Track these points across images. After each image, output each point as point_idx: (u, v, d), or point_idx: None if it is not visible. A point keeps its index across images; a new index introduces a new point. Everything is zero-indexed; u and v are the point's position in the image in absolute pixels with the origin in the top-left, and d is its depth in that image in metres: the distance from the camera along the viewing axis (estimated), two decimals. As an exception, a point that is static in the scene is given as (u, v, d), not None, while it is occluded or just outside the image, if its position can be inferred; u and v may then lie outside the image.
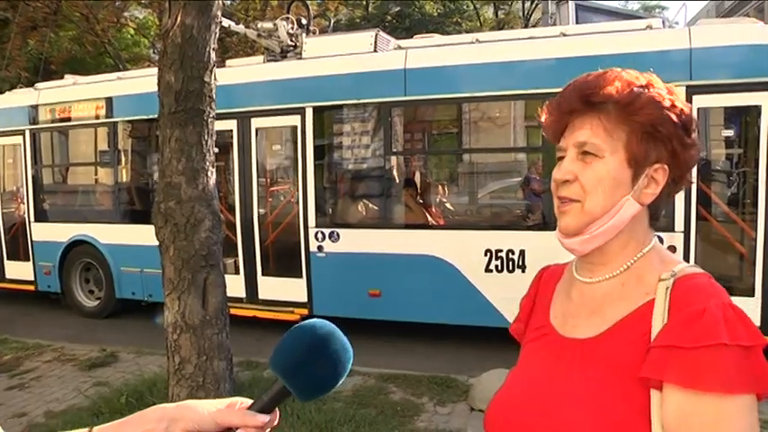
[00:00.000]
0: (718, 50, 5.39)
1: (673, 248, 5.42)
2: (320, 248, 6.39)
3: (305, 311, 6.49)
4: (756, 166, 5.36)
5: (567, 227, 1.05)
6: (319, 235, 6.38)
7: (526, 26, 17.08)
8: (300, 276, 6.49)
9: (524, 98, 6.25)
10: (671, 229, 5.47)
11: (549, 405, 1.01)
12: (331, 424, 4.22)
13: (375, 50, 6.54)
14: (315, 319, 0.88)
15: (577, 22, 14.06)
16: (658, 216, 1.08)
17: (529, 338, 1.17)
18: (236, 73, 6.85)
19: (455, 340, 6.21)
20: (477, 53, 6.21)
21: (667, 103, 1.01)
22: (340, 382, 0.85)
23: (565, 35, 6.39)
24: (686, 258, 5.45)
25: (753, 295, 5.25)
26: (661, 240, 4.57)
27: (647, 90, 1.01)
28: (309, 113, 6.39)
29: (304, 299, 6.51)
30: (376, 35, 6.60)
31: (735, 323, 0.90)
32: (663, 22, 6.49)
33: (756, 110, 5.29)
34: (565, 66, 5.84)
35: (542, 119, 1.12)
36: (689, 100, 5.35)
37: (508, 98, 6.36)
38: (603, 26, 6.84)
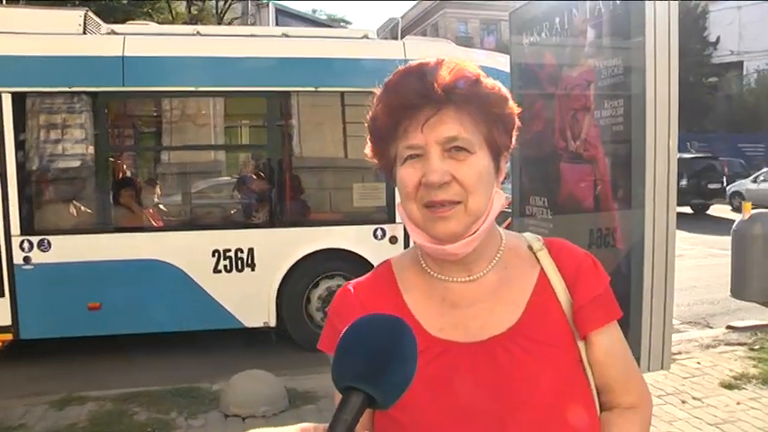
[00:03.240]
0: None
1: (395, 238, 5.99)
2: (27, 260, 5.41)
3: (8, 336, 5.43)
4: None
5: (451, 233, 0.96)
6: (26, 244, 5.40)
7: (219, 24, 16.90)
8: (2, 295, 5.42)
9: (250, 95, 6.23)
10: (392, 220, 6.01)
11: (516, 404, 0.97)
12: (74, 462, 3.67)
13: (84, 32, 5.80)
14: (367, 315, 0.79)
15: (277, 25, 14.57)
16: None
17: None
18: None
19: (188, 348, 5.90)
20: (205, 46, 6.01)
21: (508, 93, 1.02)
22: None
23: (287, 36, 6.54)
24: (407, 246, 6.08)
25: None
26: (384, 232, 5.06)
27: (492, 82, 1.00)
28: (8, 100, 5.32)
29: (7, 321, 5.41)
30: (85, 15, 5.85)
31: None
32: (377, 34, 7.09)
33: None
34: (290, 65, 6.01)
35: (373, 114, 1.01)
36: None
37: (237, 94, 6.26)
38: (324, 31, 7.21)
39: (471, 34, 41.20)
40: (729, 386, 4.55)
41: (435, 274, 1.04)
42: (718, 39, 31.05)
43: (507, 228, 5.75)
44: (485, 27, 43.18)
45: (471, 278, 1.03)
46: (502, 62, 5.99)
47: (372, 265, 5.18)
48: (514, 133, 1.03)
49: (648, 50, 3.19)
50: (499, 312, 1.02)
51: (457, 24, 42.56)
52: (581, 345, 1.02)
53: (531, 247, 1.07)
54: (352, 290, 1.09)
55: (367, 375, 0.72)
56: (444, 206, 0.95)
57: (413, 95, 0.95)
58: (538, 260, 1.06)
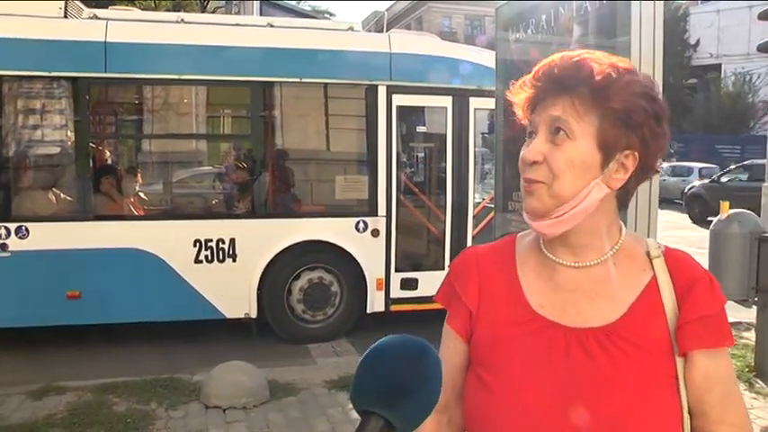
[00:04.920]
0: (414, 57, 6.11)
1: (376, 231, 5.99)
2: (4, 247, 5.32)
3: (-16, 324, 5.35)
4: (444, 159, 6.28)
5: (533, 209, 1.02)
6: (2, 231, 5.31)
7: (203, 12, 16.70)
8: (-23, 283, 5.32)
9: (234, 84, 6.16)
10: (374, 213, 6.03)
11: (598, 397, 0.98)
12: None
13: (65, 16, 5.71)
14: (391, 336, 0.76)
15: (261, 15, 14.44)
16: (627, 202, 1.08)
17: (509, 334, 1.05)
18: None
19: (168, 339, 5.85)
20: (190, 34, 5.93)
21: (639, 91, 1.01)
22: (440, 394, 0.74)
23: (272, 26, 6.49)
24: (388, 239, 6.10)
25: (443, 269, 6.11)
26: (365, 225, 5.14)
27: (621, 76, 1.00)
28: None
29: (-17, 309, 5.34)
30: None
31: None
32: (362, 27, 7.05)
33: (443, 110, 6.18)
34: (274, 55, 5.97)
35: (514, 95, 1.08)
36: (389, 99, 5.99)
37: (220, 83, 6.19)
38: (309, 22, 7.20)
39: (455, 29, 41.26)
40: (703, 382, 4.61)
41: (548, 254, 1.08)
42: (698, 41, 31.42)
43: (489, 222, 5.76)
44: (469, 23, 43.26)
45: (578, 265, 1.06)
46: (486, 58, 6.01)
47: (354, 258, 5.23)
48: (643, 132, 1.00)
49: (634, 50, 3.22)
50: (599, 305, 1.03)
51: (441, 19, 42.58)
52: (679, 361, 1.00)
53: (648, 253, 1.07)
54: (473, 254, 1.16)
55: (388, 401, 0.69)
56: (531, 183, 1.02)
57: (538, 84, 1.03)
58: (652, 266, 1.05)
